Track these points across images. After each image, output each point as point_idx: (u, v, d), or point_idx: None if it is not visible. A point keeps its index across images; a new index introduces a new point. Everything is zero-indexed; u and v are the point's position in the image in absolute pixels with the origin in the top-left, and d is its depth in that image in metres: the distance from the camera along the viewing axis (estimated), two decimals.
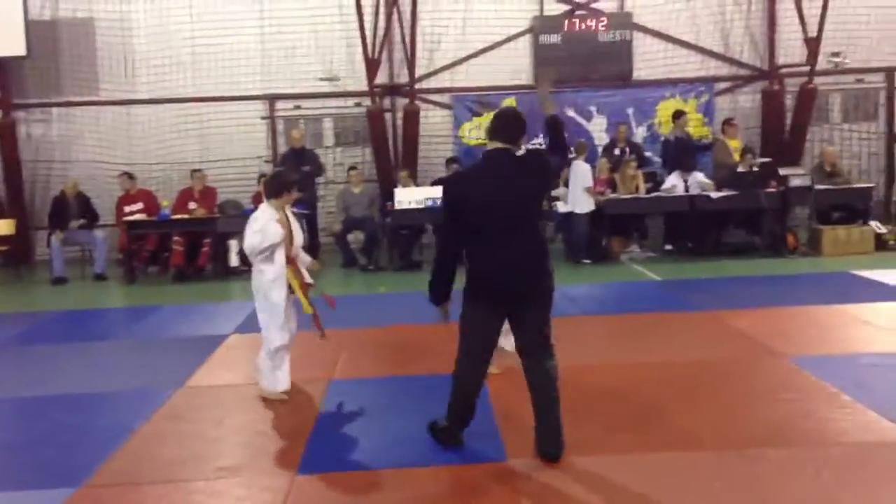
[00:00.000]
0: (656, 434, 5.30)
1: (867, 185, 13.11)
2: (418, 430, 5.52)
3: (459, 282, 4.89)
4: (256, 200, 12.84)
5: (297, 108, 14.76)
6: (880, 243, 12.15)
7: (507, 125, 4.80)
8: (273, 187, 6.37)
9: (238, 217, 12.50)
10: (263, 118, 14.76)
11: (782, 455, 4.88)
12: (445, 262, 4.86)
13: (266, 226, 6.16)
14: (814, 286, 9.85)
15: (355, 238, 13.37)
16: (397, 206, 12.39)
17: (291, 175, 6.90)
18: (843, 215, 12.64)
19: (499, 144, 4.76)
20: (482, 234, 4.69)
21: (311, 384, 6.66)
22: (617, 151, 13.54)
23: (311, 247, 13.19)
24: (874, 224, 12.39)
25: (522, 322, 4.89)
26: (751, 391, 6.04)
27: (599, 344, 7.59)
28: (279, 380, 6.36)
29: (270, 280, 6.22)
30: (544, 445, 4.90)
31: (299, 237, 6.54)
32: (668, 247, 12.85)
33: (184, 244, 12.31)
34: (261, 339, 6.41)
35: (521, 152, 4.86)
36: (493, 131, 4.81)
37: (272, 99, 14.69)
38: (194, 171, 13.09)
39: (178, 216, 12.42)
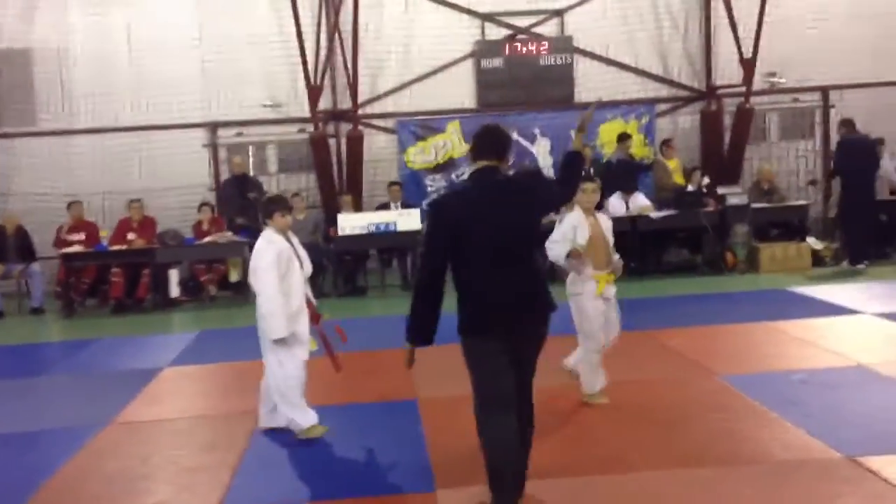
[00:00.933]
0: (584, 456, 5.31)
1: (803, 203, 13.35)
2: (351, 461, 5.49)
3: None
4: (198, 229, 12.74)
5: (240, 134, 14.68)
6: (817, 259, 12.35)
7: (494, 141, 4.40)
8: (262, 209, 6.15)
9: (178, 247, 12.39)
10: (205, 145, 14.65)
11: (707, 475, 4.91)
12: (427, 291, 4.35)
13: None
14: (749, 303, 9.97)
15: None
16: (341, 232, 12.34)
17: (281, 195, 6.77)
18: (781, 232, 12.86)
19: (486, 163, 4.36)
20: (474, 260, 4.26)
21: (244, 416, 6.57)
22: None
23: None
24: (811, 240, 12.60)
25: (519, 360, 4.38)
26: (680, 411, 6.08)
27: (544, 367, 7.58)
28: (308, 414, 6.04)
29: (271, 311, 5.86)
30: None
31: (308, 265, 6.19)
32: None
33: (123, 275, 12.13)
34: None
35: (511, 172, 4.60)
36: (479, 149, 4.40)
37: (214, 126, 14.59)
38: (132, 201, 12.93)
39: (117, 247, 12.25)
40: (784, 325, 8.57)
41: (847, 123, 12.30)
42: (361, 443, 5.84)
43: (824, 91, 15.13)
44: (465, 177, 4.70)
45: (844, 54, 14.84)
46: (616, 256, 6.45)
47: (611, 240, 6.40)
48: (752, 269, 12.28)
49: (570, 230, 6.23)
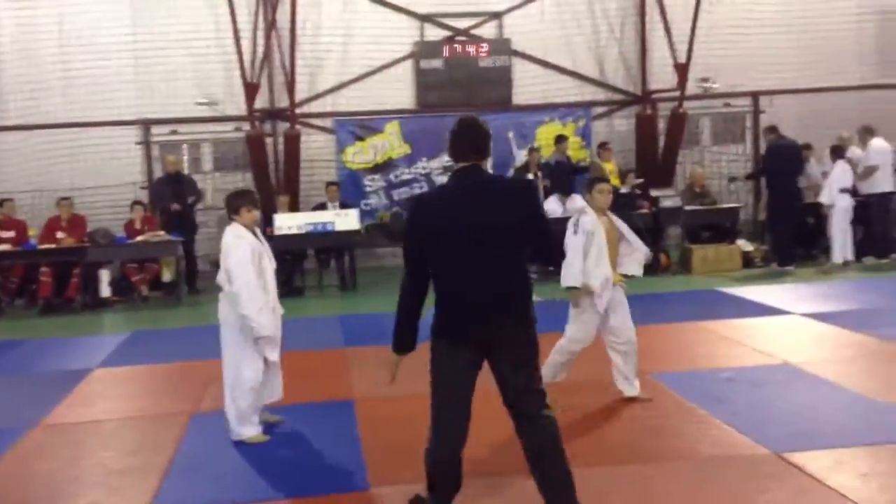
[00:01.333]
0: (510, 458, 5.32)
1: (734, 206, 13.65)
2: (285, 462, 5.44)
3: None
4: (129, 228, 12.51)
5: (174, 132, 14.45)
6: (747, 261, 12.63)
7: (474, 136, 4.13)
8: (228, 203, 5.94)
9: (109, 246, 12.14)
10: (138, 143, 14.39)
11: (636, 471, 4.99)
12: (408, 294, 4.16)
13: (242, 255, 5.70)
14: (681, 304, 10.16)
15: None
16: (277, 232, 12.23)
17: (247, 190, 6.60)
18: (712, 234, 13.13)
19: (465, 163, 4.13)
20: (451, 261, 4.06)
21: (175, 418, 6.47)
22: (530, 176, 13.69)
23: (189, 274, 12.94)
24: (741, 242, 12.88)
25: (504, 367, 4.11)
26: (610, 409, 6.16)
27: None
28: (251, 427, 5.89)
29: (259, 308, 5.68)
30: None
31: (273, 261, 6.04)
32: (551, 268, 13.04)
33: (52, 275, 11.86)
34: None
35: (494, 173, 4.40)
36: (459, 146, 4.14)
37: (147, 124, 14.35)
38: (61, 198, 12.65)
39: (46, 246, 11.96)
40: (714, 325, 8.74)
41: (773, 129, 12.66)
42: (296, 443, 5.80)
43: (755, 96, 15.49)
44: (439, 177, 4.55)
45: (774, 61, 15.23)
46: (643, 250, 6.43)
47: (628, 236, 6.34)
48: (685, 270, 12.51)
49: (587, 242, 6.10)
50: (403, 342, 4.21)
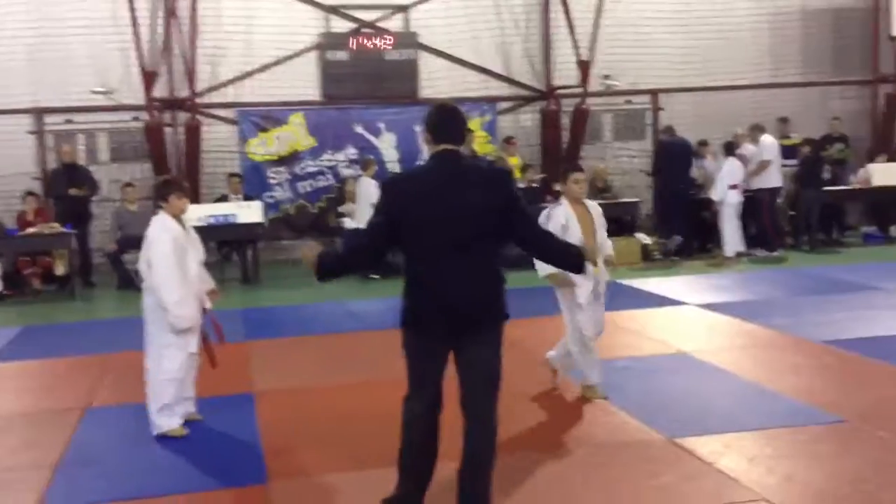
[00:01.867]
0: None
1: (634, 200, 13.96)
2: (180, 456, 5.33)
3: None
4: (22, 220, 12.06)
5: (69, 122, 13.97)
6: (646, 254, 12.95)
7: (449, 121, 4.09)
8: (156, 191, 5.80)
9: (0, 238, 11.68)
10: (31, 132, 13.86)
11: (535, 458, 5.06)
12: (352, 256, 4.36)
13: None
14: None
15: (133, 258, 12.81)
16: None
17: (175, 178, 6.37)
18: (613, 228, 13.36)
19: (444, 146, 4.05)
20: (427, 244, 3.98)
21: (64, 413, 6.28)
22: None
23: (84, 268, 12.56)
24: (640, 236, 13.20)
25: (468, 361, 4.04)
26: (510, 398, 6.15)
27: (381, 359, 7.59)
28: (173, 419, 5.72)
29: (176, 301, 5.55)
30: None
31: (202, 250, 5.93)
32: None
33: None
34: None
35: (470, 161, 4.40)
36: (435, 131, 4.07)
37: (41, 112, 13.82)
38: None
39: None
40: (613, 316, 8.81)
41: (668, 130, 12.97)
42: (193, 437, 5.69)
43: (654, 94, 15.86)
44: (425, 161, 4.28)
45: (672, 60, 15.60)
46: (608, 244, 6.35)
47: (602, 227, 6.27)
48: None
49: (561, 235, 5.93)
50: (327, 271, 4.14)
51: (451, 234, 3.95)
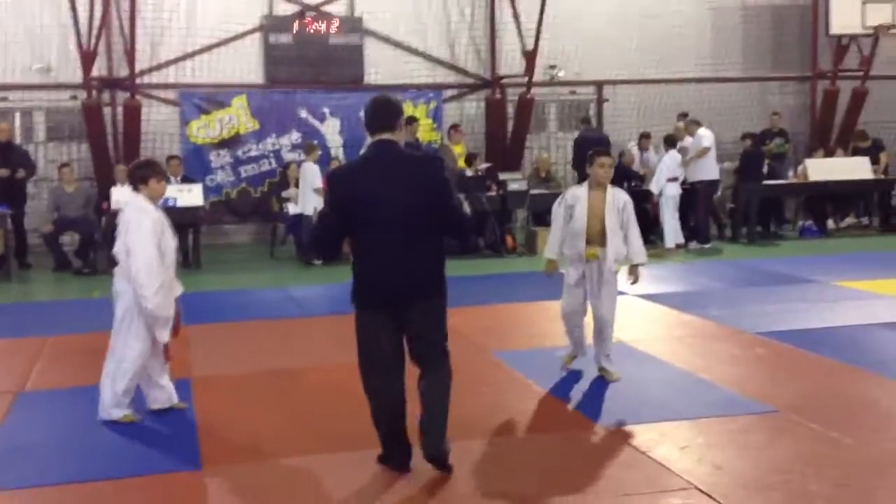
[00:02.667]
0: (352, 432, 5.33)
1: None
2: (114, 442, 5.24)
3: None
4: None
5: (5, 99, 13.60)
6: None
7: (383, 113, 4.54)
8: (133, 174, 5.60)
9: None
10: None
11: (474, 446, 5.05)
12: (317, 244, 5.14)
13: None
14: (525, 284, 10.38)
15: (71, 239, 12.56)
16: (114, 206, 11.70)
17: (153, 160, 6.14)
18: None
19: (381, 136, 4.50)
20: (369, 229, 4.43)
21: None
22: None
23: (19, 249, 12.26)
24: None
25: (414, 329, 4.54)
26: (454, 385, 6.22)
27: (320, 346, 7.55)
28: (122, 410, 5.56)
29: (156, 289, 5.39)
30: (429, 448, 4.59)
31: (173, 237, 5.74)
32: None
33: None
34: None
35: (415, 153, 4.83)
36: (372, 122, 4.54)
37: None
38: None
39: None
40: (555, 305, 8.84)
41: (585, 121, 13.21)
42: (127, 424, 5.59)
43: (598, 85, 15.99)
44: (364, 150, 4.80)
45: (616, 52, 15.75)
46: (635, 246, 6.20)
47: (622, 218, 6.13)
48: (530, 252, 12.81)
49: (565, 214, 6.13)
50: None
51: (388, 217, 4.40)
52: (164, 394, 5.78)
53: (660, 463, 4.77)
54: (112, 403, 5.57)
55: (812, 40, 16.58)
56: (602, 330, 6.34)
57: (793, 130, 16.21)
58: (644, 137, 14.31)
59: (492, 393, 6.05)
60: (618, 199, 6.19)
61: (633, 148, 14.49)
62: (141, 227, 5.40)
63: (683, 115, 14.19)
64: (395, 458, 4.67)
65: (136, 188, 5.60)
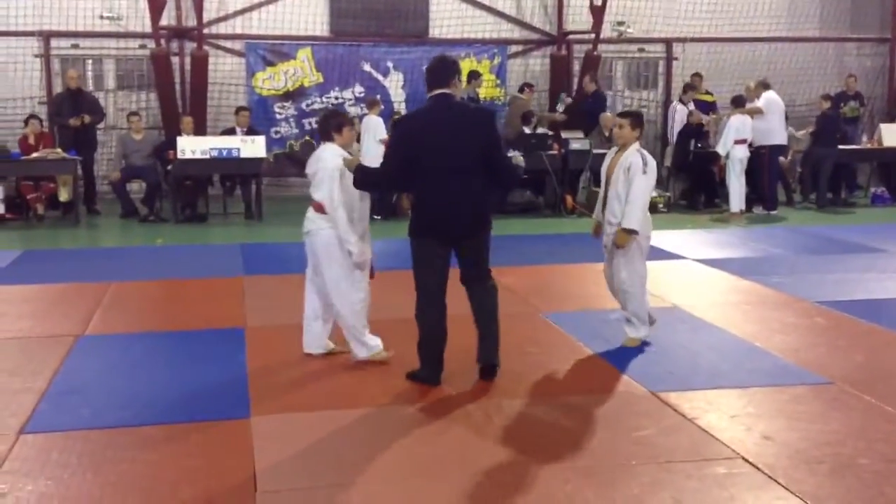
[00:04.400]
0: (399, 388, 5.38)
1: None
2: (167, 387, 5.37)
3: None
4: (24, 144, 12.03)
5: (76, 46, 13.85)
6: (651, 206, 12.79)
7: (443, 71, 5.17)
8: (332, 124, 5.67)
9: (2, 161, 11.65)
10: (37, 56, 13.76)
11: (517, 405, 5.08)
12: (377, 184, 5.63)
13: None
14: (581, 245, 10.21)
15: (139, 187, 12.83)
16: (180, 156, 11.91)
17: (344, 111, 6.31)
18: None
19: (437, 90, 5.15)
20: (432, 169, 5.07)
21: (57, 340, 6.33)
22: None
23: (88, 195, 12.56)
24: None
25: (466, 254, 5.28)
26: (503, 345, 6.21)
27: (377, 300, 7.58)
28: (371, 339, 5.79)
29: (361, 234, 5.58)
30: (484, 357, 5.39)
31: None
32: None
33: None
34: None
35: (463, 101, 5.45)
36: (433, 79, 5.18)
37: (47, 36, 13.70)
38: None
39: None
40: None
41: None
42: (181, 371, 5.72)
43: (668, 43, 15.62)
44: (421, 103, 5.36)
45: (688, 9, 15.35)
46: (626, 210, 5.85)
47: (623, 179, 5.83)
48: (590, 213, 12.64)
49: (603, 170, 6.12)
50: (361, 181, 5.36)
51: (450, 159, 5.07)
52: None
53: (706, 431, 4.71)
54: (363, 340, 5.75)
55: (893, 0, 15.91)
56: (623, 296, 6.16)
57: (868, 94, 15.66)
58: (690, 89, 13.87)
59: (539, 353, 6.03)
60: (625, 160, 5.87)
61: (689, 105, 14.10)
62: (336, 174, 5.47)
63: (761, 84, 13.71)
64: (432, 375, 5.32)
65: (329, 137, 5.67)
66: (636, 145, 5.96)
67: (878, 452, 4.41)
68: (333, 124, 5.68)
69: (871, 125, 15.01)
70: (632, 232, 5.94)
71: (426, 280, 5.23)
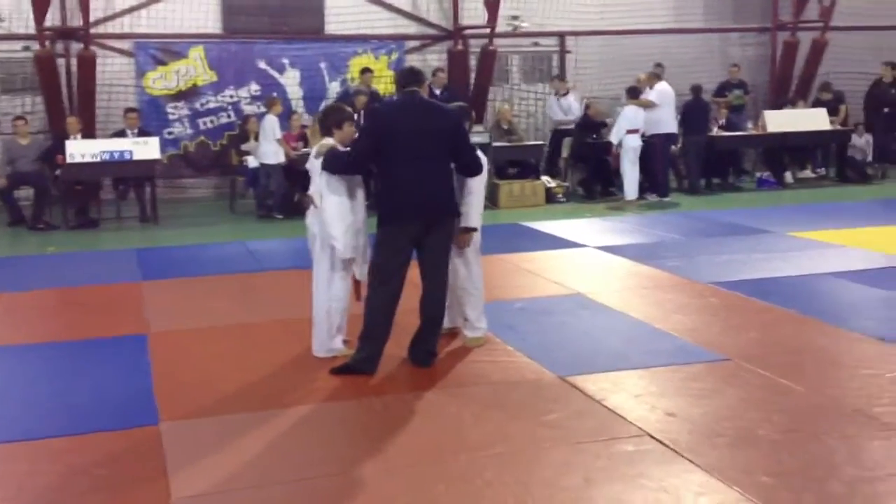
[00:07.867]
0: (315, 386, 5.36)
1: (539, 143, 14.07)
2: (68, 398, 5.21)
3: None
4: None
5: None
6: (550, 196, 13.11)
7: (415, 75, 5.65)
8: (332, 119, 5.65)
9: None
10: None
11: (431, 397, 5.13)
12: (349, 164, 5.44)
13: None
14: (486, 237, 10.31)
15: (26, 194, 12.36)
16: (69, 160, 11.52)
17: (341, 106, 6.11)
18: (518, 171, 13.51)
19: (408, 88, 5.51)
20: (404, 155, 5.34)
21: None
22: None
23: None
24: (545, 179, 13.33)
25: (428, 245, 5.47)
26: (410, 338, 6.26)
27: (280, 300, 7.54)
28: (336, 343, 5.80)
29: (349, 224, 5.54)
30: (417, 358, 5.64)
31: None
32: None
33: None
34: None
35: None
36: (404, 80, 5.58)
37: None
38: None
39: None
40: (515, 258, 9.04)
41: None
42: (83, 380, 5.56)
43: (561, 37, 15.90)
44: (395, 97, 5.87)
45: (579, 3, 15.63)
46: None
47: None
48: (492, 205, 12.78)
49: None
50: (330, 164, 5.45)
51: (420, 146, 5.36)
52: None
53: (613, 411, 4.85)
54: (329, 340, 5.74)
55: None
56: (458, 292, 6.16)
57: (752, 82, 16.28)
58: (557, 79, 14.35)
59: (447, 344, 6.08)
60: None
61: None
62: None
63: (658, 66, 14.08)
64: (368, 362, 5.43)
65: (328, 133, 5.64)
66: None
67: (774, 423, 4.63)
68: (333, 120, 5.69)
69: (755, 112, 15.60)
70: (474, 230, 5.99)
71: (387, 261, 5.41)
